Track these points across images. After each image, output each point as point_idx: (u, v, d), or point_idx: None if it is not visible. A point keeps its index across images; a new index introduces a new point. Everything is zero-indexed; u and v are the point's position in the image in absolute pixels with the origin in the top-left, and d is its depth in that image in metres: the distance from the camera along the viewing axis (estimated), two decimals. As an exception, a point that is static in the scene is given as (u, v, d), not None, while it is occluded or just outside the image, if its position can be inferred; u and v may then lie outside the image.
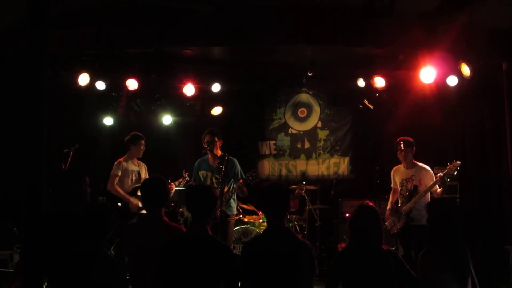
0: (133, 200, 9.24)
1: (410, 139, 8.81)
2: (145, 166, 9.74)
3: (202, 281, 4.80)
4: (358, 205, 5.21)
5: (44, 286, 5.56)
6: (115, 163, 9.45)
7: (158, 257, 4.96)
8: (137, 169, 9.55)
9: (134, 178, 9.46)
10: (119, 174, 9.35)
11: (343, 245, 5.23)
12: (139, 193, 9.22)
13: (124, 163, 9.47)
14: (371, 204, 5.20)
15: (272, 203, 5.08)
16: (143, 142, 9.61)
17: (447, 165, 8.38)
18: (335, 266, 5.05)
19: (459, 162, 8.35)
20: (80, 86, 10.43)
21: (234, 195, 8.89)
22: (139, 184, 9.25)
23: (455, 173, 8.47)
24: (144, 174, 9.59)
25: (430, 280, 4.90)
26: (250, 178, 8.60)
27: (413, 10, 7.77)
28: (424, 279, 4.93)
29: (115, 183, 9.22)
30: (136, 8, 8.74)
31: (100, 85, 10.64)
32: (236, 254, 6.08)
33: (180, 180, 9.69)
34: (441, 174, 8.30)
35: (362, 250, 4.97)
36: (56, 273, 4.78)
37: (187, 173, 9.77)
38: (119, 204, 9.19)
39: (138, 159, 9.69)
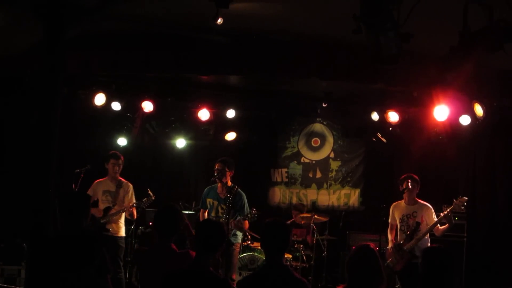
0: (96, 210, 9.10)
1: (416, 177, 8.80)
2: (129, 186, 9.54)
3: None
4: (358, 247, 5.22)
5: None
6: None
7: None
8: (112, 190, 9.38)
9: (104, 198, 9.30)
10: (90, 194, 9.15)
11: (341, 286, 5.20)
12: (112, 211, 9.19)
13: (97, 184, 9.44)
14: (372, 246, 5.20)
15: (271, 240, 5.08)
16: (112, 161, 9.43)
17: (453, 201, 8.38)
18: None
19: (465, 198, 8.35)
20: (96, 106, 10.51)
21: None
22: (108, 205, 9.20)
23: (462, 208, 8.49)
24: (123, 195, 9.43)
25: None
26: (249, 215, 8.56)
27: (426, 51, 7.80)
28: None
29: None
30: (153, 35, 8.88)
31: (116, 106, 10.72)
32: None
33: (145, 200, 9.39)
34: (447, 210, 8.31)
35: None
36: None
37: (151, 192, 9.51)
38: None
39: (125, 178, 9.60)
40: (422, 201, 8.74)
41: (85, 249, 4.82)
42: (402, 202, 8.83)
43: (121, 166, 9.56)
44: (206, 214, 9.04)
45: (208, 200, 9.06)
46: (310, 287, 5.05)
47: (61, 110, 7.81)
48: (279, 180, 12.78)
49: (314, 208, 11.97)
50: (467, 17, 5.42)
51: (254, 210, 8.64)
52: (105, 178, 9.55)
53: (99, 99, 10.48)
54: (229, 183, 8.82)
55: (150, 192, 9.47)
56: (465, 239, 9.87)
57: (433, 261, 5.09)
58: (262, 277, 5.01)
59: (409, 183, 8.63)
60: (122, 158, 9.57)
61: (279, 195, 12.70)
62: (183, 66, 9.15)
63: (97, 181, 9.51)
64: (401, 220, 8.73)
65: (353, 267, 5.04)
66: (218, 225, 5.30)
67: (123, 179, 9.58)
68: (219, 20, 7.00)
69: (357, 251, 5.13)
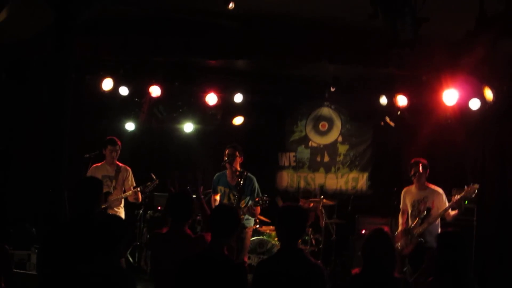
0: None
1: (426, 161, 8.77)
2: (127, 170, 9.48)
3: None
4: (373, 230, 5.22)
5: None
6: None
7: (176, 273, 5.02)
8: (111, 174, 9.32)
9: (104, 183, 8.62)
10: None
11: (357, 270, 5.22)
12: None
13: (95, 169, 9.33)
14: (386, 229, 5.21)
15: (288, 224, 5.05)
16: (109, 147, 9.34)
17: (464, 188, 8.36)
18: None
19: (477, 185, 8.27)
20: (104, 91, 10.54)
21: None
22: (108, 190, 9.05)
23: (473, 196, 8.45)
24: (123, 180, 9.39)
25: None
26: (260, 202, 8.60)
27: (436, 35, 7.75)
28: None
29: None
30: (162, 19, 8.84)
31: (124, 91, 10.74)
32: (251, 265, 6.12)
33: (148, 184, 9.47)
34: (458, 197, 8.29)
35: (375, 276, 4.99)
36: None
37: (154, 176, 9.54)
38: None
39: (123, 162, 9.53)
40: (433, 186, 8.70)
41: (115, 233, 4.82)
42: (413, 187, 8.80)
43: (119, 152, 9.48)
44: (218, 197, 9.03)
45: (219, 187, 9.04)
46: (325, 271, 5.04)
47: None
48: (286, 164, 12.76)
49: (322, 192, 11.94)
50: (483, 2, 5.39)
51: (265, 197, 8.65)
52: (103, 162, 9.48)
53: (107, 84, 10.50)
54: (238, 169, 8.82)
55: (153, 176, 9.48)
56: (474, 223, 9.85)
57: (449, 245, 5.10)
58: (279, 261, 5.03)
59: (420, 168, 8.60)
60: (119, 143, 9.49)
61: (286, 179, 12.68)
62: (192, 51, 9.16)
63: (95, 165, 9.42)
64: (412, 205, 8.71)
65: (369, 250, 5.07)
66: (233, 211, 5.33)
67: (120, 164, 9.51)
68: (231, 5, 6.98)
69: (373, 235, 5.15)
